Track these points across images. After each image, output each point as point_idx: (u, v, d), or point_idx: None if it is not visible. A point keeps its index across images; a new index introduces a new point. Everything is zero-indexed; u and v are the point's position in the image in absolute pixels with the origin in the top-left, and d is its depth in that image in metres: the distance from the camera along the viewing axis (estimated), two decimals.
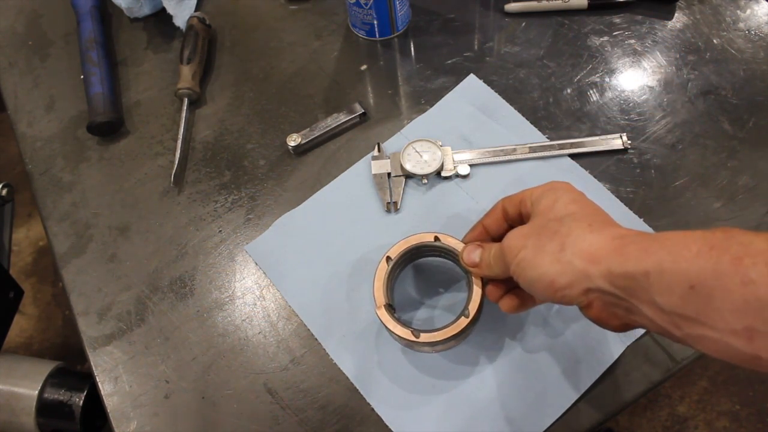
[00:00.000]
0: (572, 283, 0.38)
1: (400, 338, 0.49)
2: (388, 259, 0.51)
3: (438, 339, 0.48)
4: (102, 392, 0.54)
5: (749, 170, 0.60)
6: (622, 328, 0.40)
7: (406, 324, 0.49)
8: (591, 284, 0.37)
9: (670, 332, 0.34)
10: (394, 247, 0.51)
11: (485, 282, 0.49)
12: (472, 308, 0.48)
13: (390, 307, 0.50)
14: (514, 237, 0.43)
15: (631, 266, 0.35)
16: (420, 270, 0.57)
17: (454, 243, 0.51)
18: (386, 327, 0.49)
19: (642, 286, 0.34)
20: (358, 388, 0.52)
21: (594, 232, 0.39)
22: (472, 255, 0.48)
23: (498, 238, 0.47)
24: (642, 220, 0.57)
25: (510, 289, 0.48)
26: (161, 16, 0.77)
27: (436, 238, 0.51)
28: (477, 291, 0.49)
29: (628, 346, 0.51)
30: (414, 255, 0.53)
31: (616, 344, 0.51)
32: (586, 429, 0.49)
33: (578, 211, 0.41)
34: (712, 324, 0.32)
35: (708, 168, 0.60)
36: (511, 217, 0.48)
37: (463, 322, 0.48)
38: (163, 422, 0.53)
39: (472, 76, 0.68)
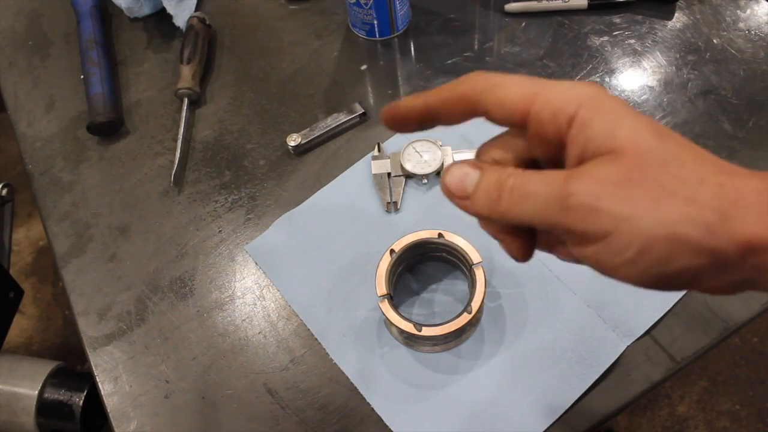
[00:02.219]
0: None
1: (402, 332, 0.49)
2: (392, 251, 0.51)
3: (439, 333, 0.48)
4: (102, 392, 0.54)
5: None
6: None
7: (407, 318, 0.49)
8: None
9: None
10: (398, 242, 0.52)
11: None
12: (475, 305, 0.48)
13: (391, 300, 0.50)
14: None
15: None
16: (421, 269, 0.57)
17: (458, 240, 0.51)
18: (388, 320, 0.49)
19: None
20: (358, 388, 0.52)
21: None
22: (465, 182, 0.29)
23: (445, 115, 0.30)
24: None
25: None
26: (161, 16, 0.77)
27: (440, 235, 0.51)
28: (480, 289, 0.49)
29: (628, 346, 0.51)
30: (417, 253, 0.54)
31: (616, 344, 0.51)
32: (586, 429, 0.49)
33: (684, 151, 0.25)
34: None
35: None
36: (499, 118, 0.29)
37: (466, 317, 0.48)
38: (163, 422, 0.53)
39: None
